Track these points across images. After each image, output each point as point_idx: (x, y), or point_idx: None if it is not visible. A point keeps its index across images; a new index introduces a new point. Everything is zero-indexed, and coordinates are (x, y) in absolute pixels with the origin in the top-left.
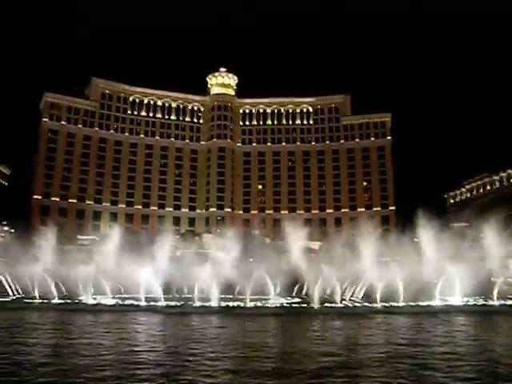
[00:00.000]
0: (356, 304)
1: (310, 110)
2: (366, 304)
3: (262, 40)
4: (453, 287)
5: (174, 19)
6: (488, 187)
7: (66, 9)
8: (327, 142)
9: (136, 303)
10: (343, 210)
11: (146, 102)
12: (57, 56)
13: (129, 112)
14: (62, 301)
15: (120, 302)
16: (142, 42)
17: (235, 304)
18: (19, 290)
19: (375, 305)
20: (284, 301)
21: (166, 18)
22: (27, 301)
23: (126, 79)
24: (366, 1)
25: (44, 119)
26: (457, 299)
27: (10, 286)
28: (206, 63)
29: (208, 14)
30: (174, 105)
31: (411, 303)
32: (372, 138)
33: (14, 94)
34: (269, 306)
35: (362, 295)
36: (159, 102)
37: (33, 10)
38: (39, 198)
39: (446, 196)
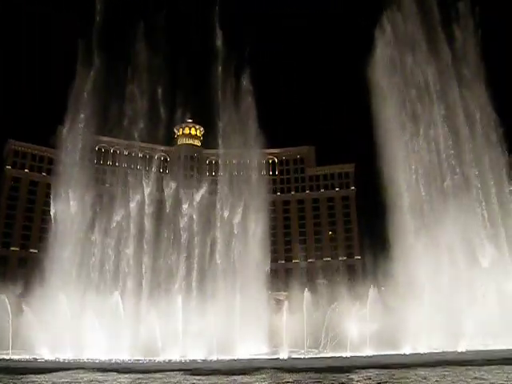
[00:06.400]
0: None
1: (276, 160)
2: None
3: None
4: None
5: None
6: None
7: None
8: (292, 193)
9: None
10: (309, 260)
11: (111, 151)
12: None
13: (95, 161)
14: None
15: None
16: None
17: None
18: None
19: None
20: None
21: None
22: None
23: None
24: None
25: (7, 166)
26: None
27: None
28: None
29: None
30: (140, 155)
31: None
32: (336, 189)
33: None
34: None
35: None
36: (125, 152)
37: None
38: None
39: None
